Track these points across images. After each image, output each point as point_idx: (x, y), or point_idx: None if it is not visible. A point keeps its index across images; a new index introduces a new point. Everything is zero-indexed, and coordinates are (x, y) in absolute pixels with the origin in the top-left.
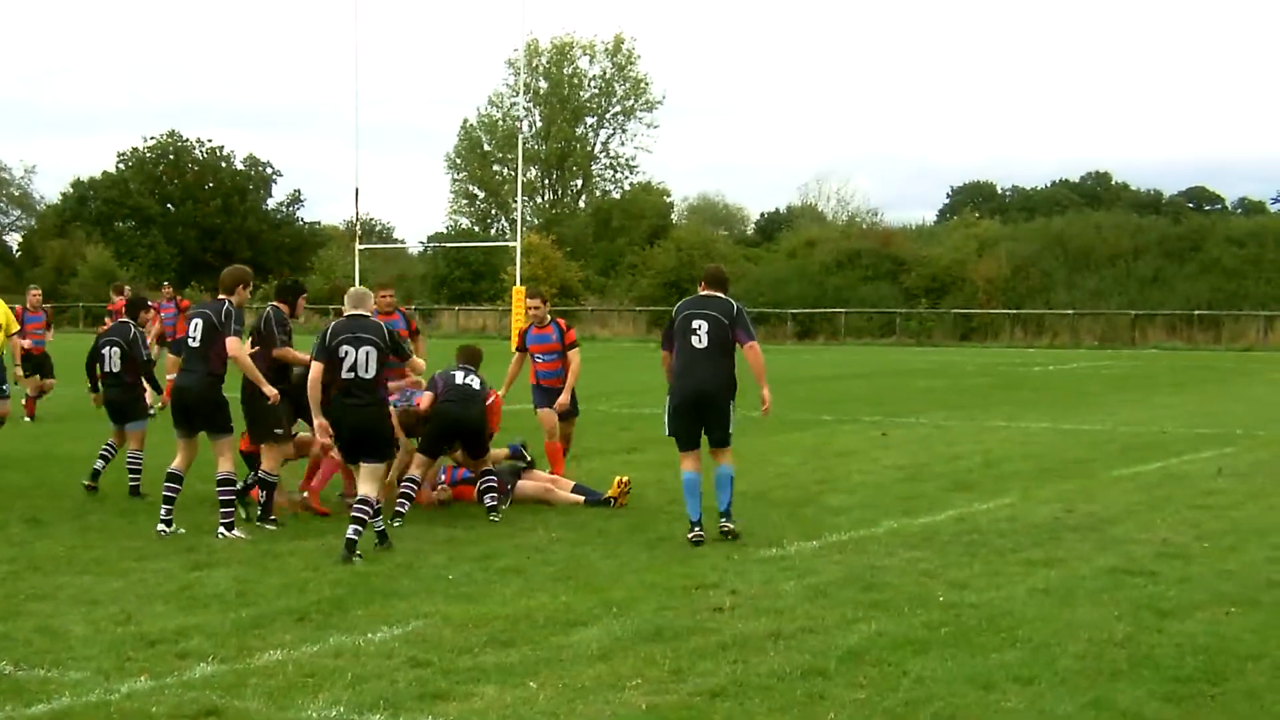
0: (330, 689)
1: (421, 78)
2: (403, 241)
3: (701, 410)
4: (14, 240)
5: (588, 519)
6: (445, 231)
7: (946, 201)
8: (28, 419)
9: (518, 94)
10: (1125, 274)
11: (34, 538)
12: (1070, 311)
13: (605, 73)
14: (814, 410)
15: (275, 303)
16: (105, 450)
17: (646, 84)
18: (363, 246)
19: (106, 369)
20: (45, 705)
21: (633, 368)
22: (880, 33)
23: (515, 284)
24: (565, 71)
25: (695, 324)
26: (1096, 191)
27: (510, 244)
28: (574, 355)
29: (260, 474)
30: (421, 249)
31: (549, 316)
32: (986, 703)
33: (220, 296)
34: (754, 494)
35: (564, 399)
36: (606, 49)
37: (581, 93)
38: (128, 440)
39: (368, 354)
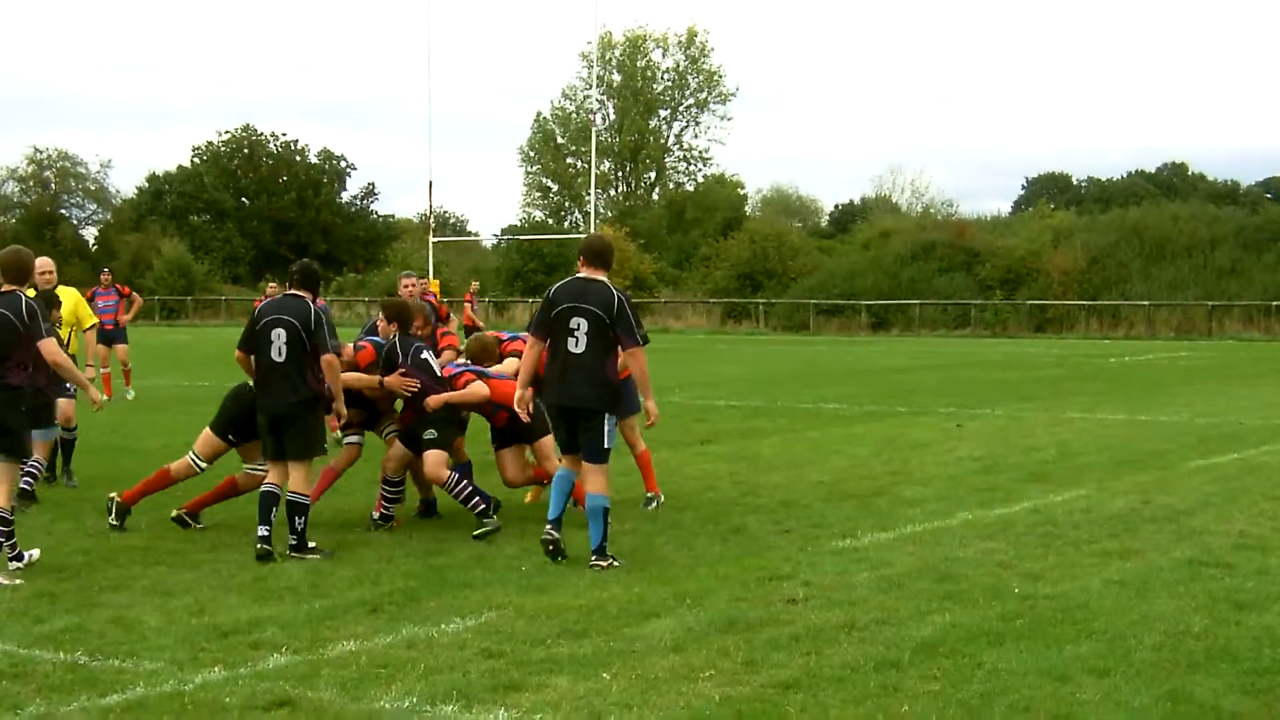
0: (403, 680)
1: (495, 71)
2: (476, 234)
3: (573, 423)
4: (90, 234)
5: (660, 511)
6: (519, 224)
7: (1021, 193)
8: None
9: (591, 87)
10: (1202, 265)
11: (109, 529)
12: (1146, 303)
13: (678, 65)
14: (888, 402)
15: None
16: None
17: (720, 76)
18: (437, 239)
19: None
20: (119, 695)
21: (706, 359)
22: (956, 23)
23: None
24: (638, 64)
25: (574, 322)
26: (1173, 182)
27: (583, 236)
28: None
29: (293, 496)
30: (495, 241)
31: None
32: (1062, 695)
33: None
34: (829, 484)
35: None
36: (680, 41)
37: (655, 85)
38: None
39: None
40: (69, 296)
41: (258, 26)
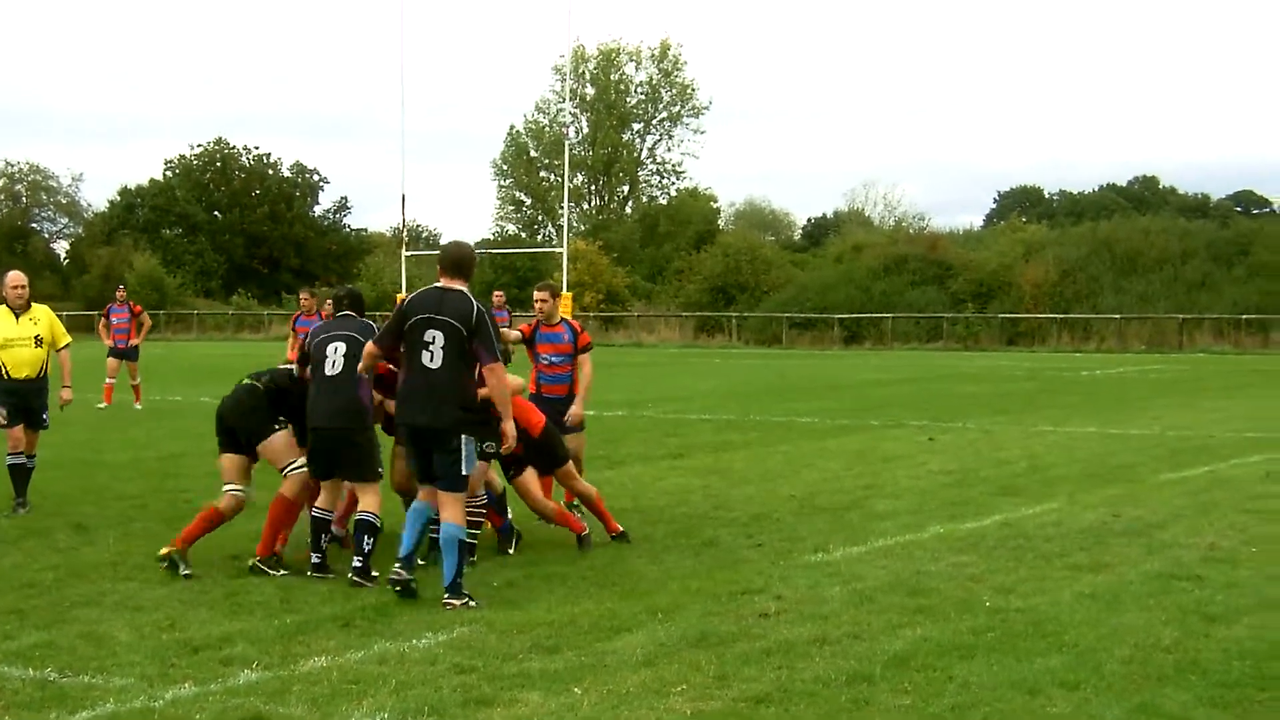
0: (375, 695)
1: (468, 85)
2: None
3: (427, 446)
4: (62, 248)
5: (631, 525)
6: (492, 238)
7: (994, 206)
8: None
9: (564, 100)
10: (1173, 278)
11: (79, 544)
12: (1118, 316)
13: (652, 79)
14: (860, 415)
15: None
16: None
17: (693, 90)
18: (409, 253)
19: None
20: (89, 712)
21: (679, 373)
22: (927, 38)
23: (562, 289)
24: (612, 78)
25: (429, 335)
26: (1144, 195)
27: (557, 250)
28: (587, 360)
29: (362, 515)
30: None
31: (559, 314)
32: (1032, 708)
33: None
34: (801, 498)
35: (577, 409)
36: (653, 55)
37: (628, 99)
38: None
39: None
40: (44, 314)
41: (230, 40)
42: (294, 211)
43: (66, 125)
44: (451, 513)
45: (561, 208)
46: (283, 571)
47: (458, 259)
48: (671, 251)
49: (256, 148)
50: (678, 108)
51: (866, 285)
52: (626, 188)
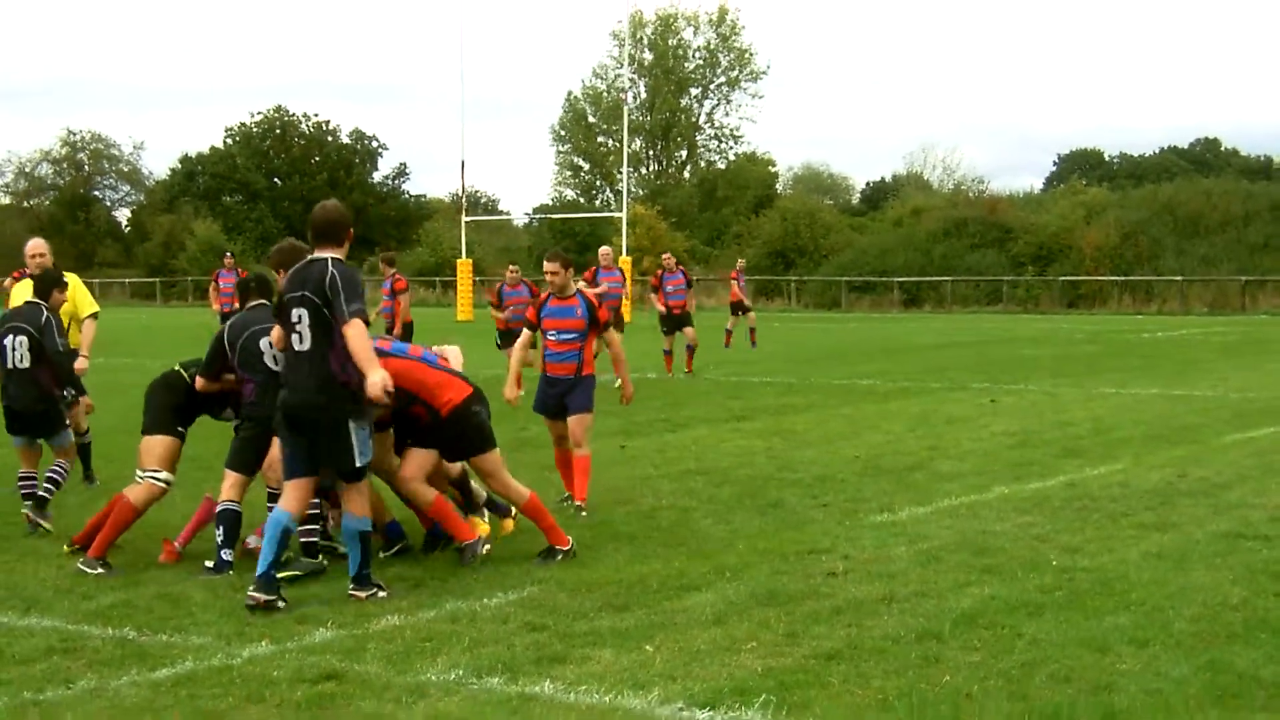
0: (448, 653)
1: (526, 50)
2: (508, 213)
3: (307, 433)
4: (123, 216)
5: (696, 486)
6: (550, 203)
7: (1054, 169)
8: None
9: (622, 65)
10: (1235, 240)
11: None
12: (1179, 278)
13: (709, 43)
14: (921, 378)
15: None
16: (24, 484)
17: (750, 54)
18: (469, 219)
19: (9, 364)
20: (169, 669)
21: (739, 336)
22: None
23: (622, 254)
24: (669, 42)
25: (295, 314)
26: (1206, 158)
27: (616, 215)
28: (613, 339)
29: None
30: (527, 220)
31: (573, 286)
32: (1102, 665)
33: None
34: (865, 460)
35: (628, 389)
36: (710, 20)
37: (686, 64)
38: (55, 455)
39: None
40: (67, 283)
41: (290, 6)
42: (353, 178)
43: (128, 94)
44: (355, 504)
45: (620, 173)
46: (99, 570)
47: (321, 223)
48: (730, 216)
49: (316, 115)
50: (735, 72)
51: (926, 248)
52: (685, 152)
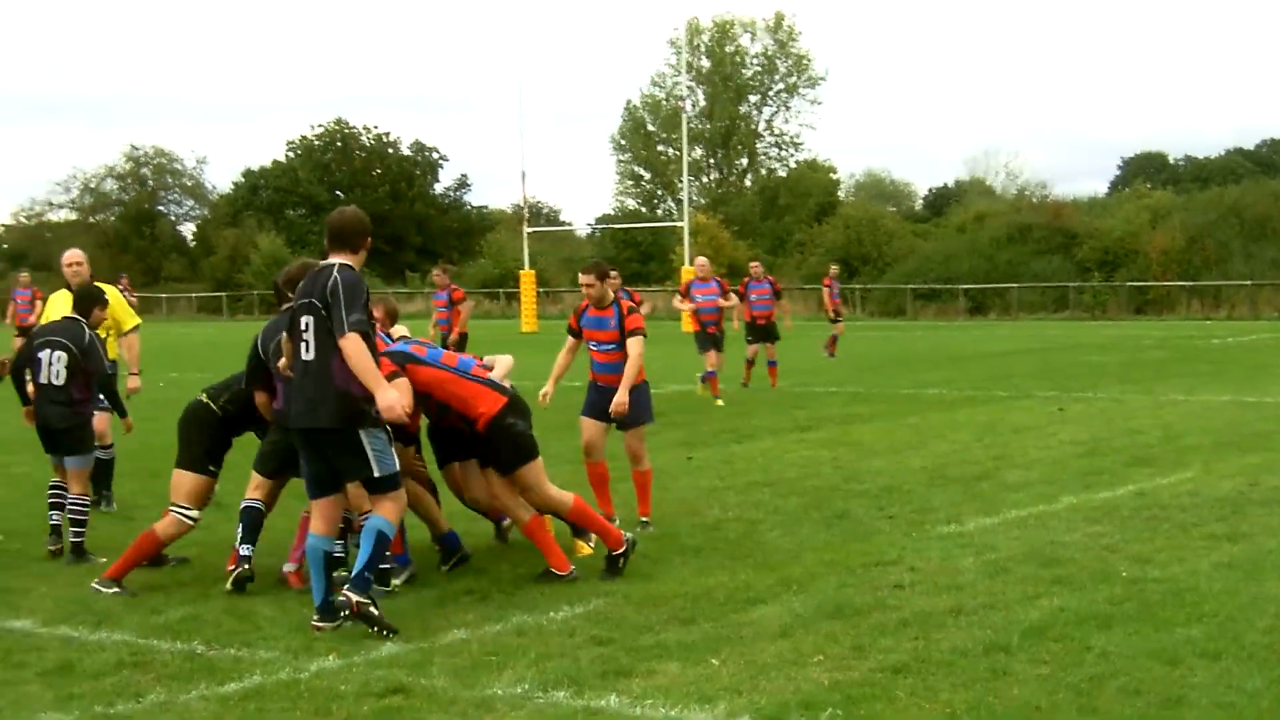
0: (514, 667)
1: (585, 60)
2: (570, 224)
3: (318, 447)
4: (188, 230)
5: (762, 498)
6: (612, 213)
7: (1118, 173)
8: None
9: (680, 73)
10: None
11: (218, 521)
12: (1249, 282)
13: (767, 50)
14: (988, 386)
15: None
16: (54, 494)
17: (809, 60)
18: (530, 229)
19: (44, 379)
20: (237, 683)
21: (803, 345)
22: (1048, 3)
23: (684, 264)
24: (727, 49)
25: (303, 322)
26: (1273, 159)
27: (678, 224)
28: (634, 344)
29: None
30: (589, 231)
31: (612, 295)
32: (1172, 678)
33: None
34: (931, 470)
35: (620, 399)
36: (768, 26)
37: (744, 71)
38: (68, 481)
39: None
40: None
41: (349, 20)
42: (415, 190)
43: (190, 109)
44: (385, 509)
45: (681, 181)
46: (114, 590)
47: (336, 228)
48: (792, 224)
49: (376, 127)
50: (794, 79)
51: (990, 255)
52: (745, 160)
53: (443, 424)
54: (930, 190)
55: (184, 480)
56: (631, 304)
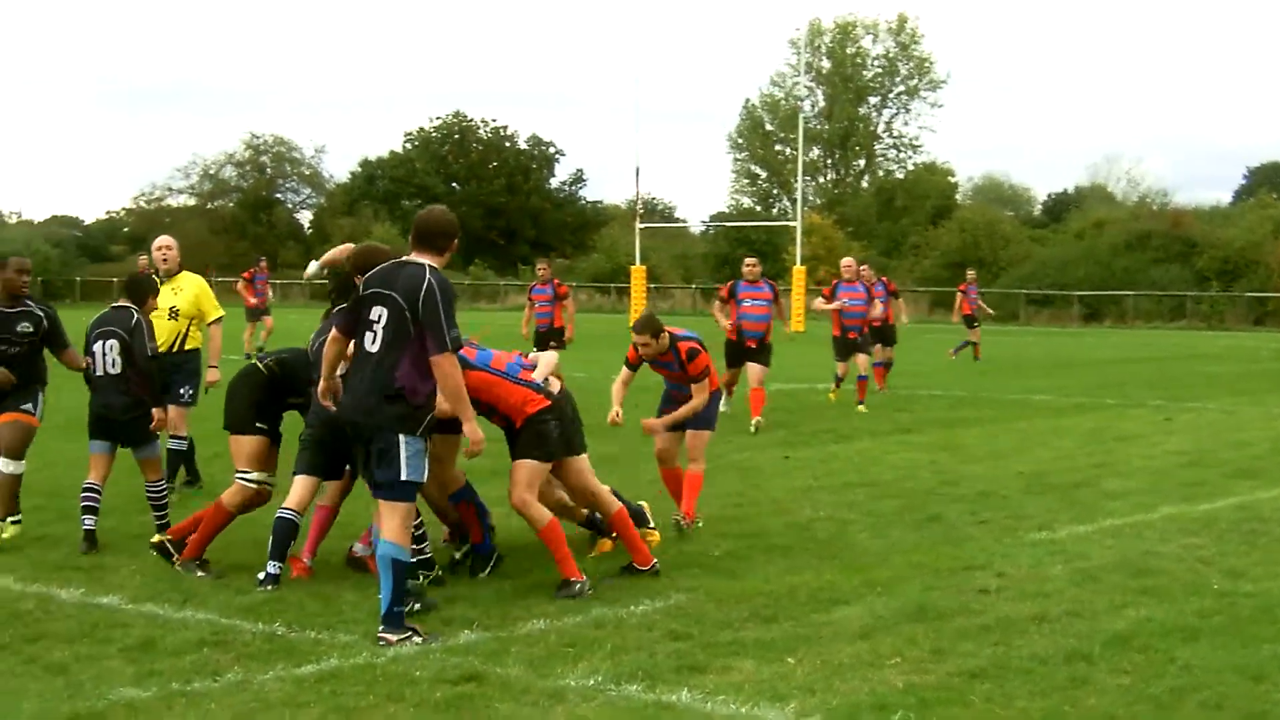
0: (590, 659)
1: (703, 58)
2: (684, 221)
3: (360, 441)
4: (305, 218)
5: (856, 499)
6: (727, 211)
7: (1243, 182)
8: None
9: (800, 74)
10: None
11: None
12: None
13: (888, 52)
14: (1096, 394)
15: None
16: (88, 496)
17: (930, 63)
18: (643, 225)
19: (100, 370)
20: (314, 666)
21: (912, 349)
22: (1173, 8)
23: (796, 264)
24: (848, 51)
25: (375, 312)
26: None
27: (791, 224)
28: (699, 391)
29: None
30: (703, 228)
31: (667, 343)
32: (1255, 694)
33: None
34: (1030, 476)
35: (654, 425)
36: (890, 28)
37: (865, 72)
38: (142, 470)
39: None
40: (191, 284)
41: (469, 13)
42: (530, 183)
43: (308, 98)
44: (390, 528)
45: (796, 181)
46: (199, 573)
47: (426, 229)
48: (908, 226)
49: (494, 120)
50: (915, 81)
51: (1107, 262)
52: (863, 162)
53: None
54: (1050, 195)
55: (238, 445)
56: (691, 346)
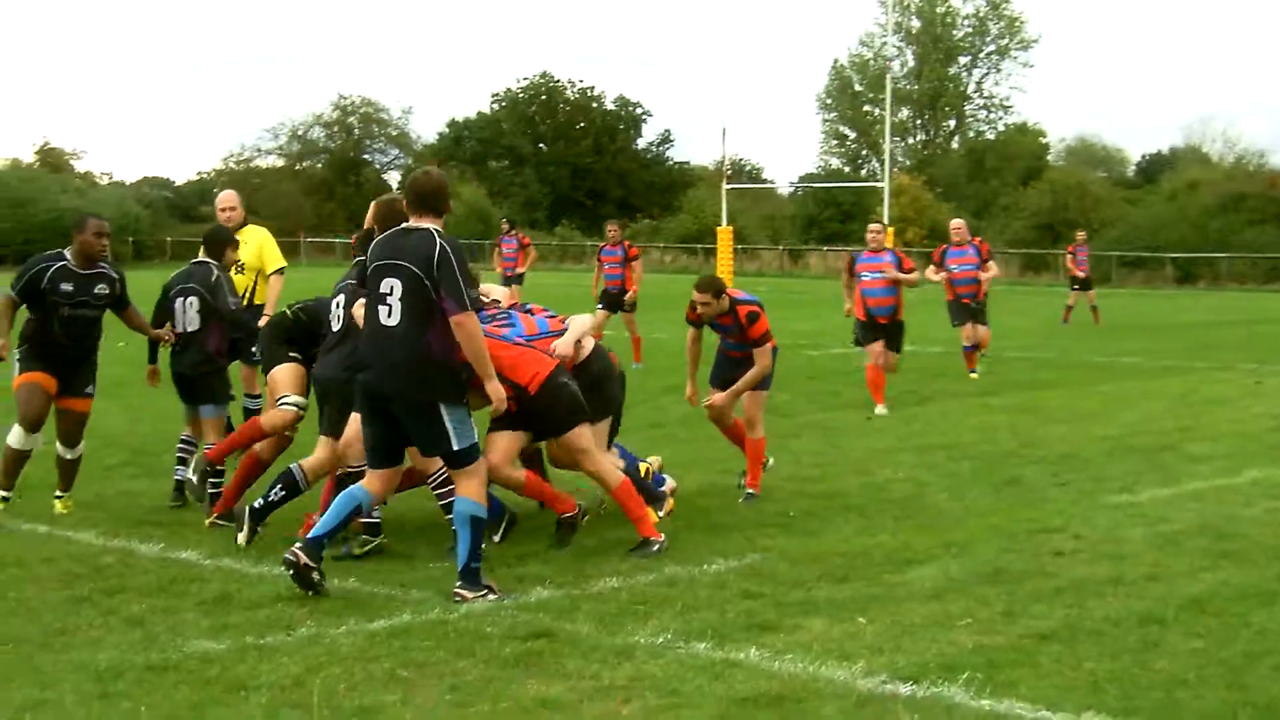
0: (660, 617)
1: (791, 17)
2: (771, 182)
3: (392, 414)
4: (393, 179)
5: (935, 461)
6: (816, 172)
7: None
8: None
9: (889, 33)
10: None
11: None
12: None
13: (979, 11)
14: (1186, 357)
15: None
16: (183, 448)
17: (1021, 22)
18: (730, 186)
19: (180, 327)
20: (385, 621)
21: (999, 310)
22: None
23: (885, 225)
24: (938, 10)
25: (386, 284)
26: None
27: (879, 184)
28: (761, 355)
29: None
30: (790, 189)
31: (726, 305)
32: None
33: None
34: (1113, 439)
35: (721, 399)
36: None
37: (955, 32)
38: (204, 432)
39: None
40: (255, 237)
41: None
42: (617, 144)
43: (396, 59)
44: (466, 487)
45: (885, 142)
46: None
47: (423, 191)
48: (998, 187)
49: (581, 81)
50: (1006, 40)
51: (1201, 224)
52: (953, 122)
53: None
54: (1144, 156)
55: (274, 378)
56: (751, 309)
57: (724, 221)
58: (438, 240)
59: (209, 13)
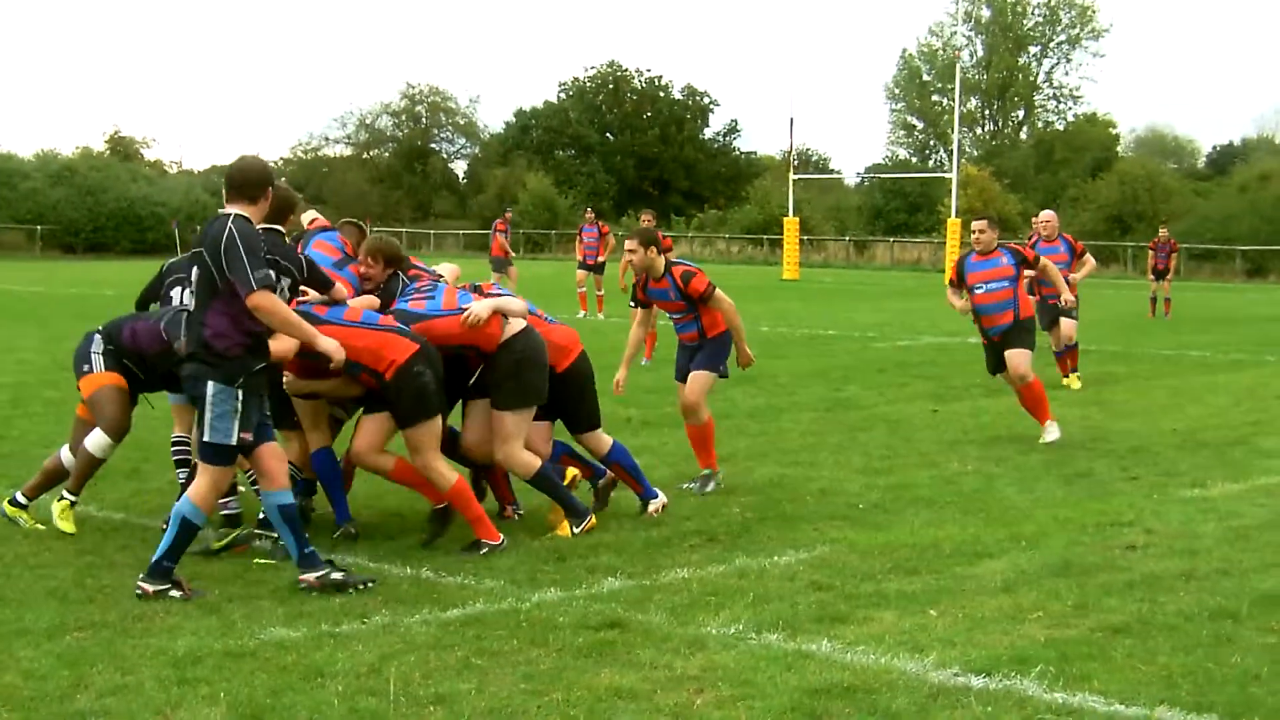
0: (731, 608)
1: (860, 6)
2: (838, 172)
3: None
4: (460, 168)
5: (1004, 453)
6: (883, 162)
7: None
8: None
9: (958, 23)
10: None
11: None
12: None
13: (1049, 1)
14: (1255, 351)
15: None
16: (179, 450)
17: (1093, 12)
18: (797, 176)
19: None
20: (459, 610)
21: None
22: None
23: (951, 216)
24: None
25: (194, 271)
26: None
27: (947, 175)
28: (716, 303)
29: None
30: (857, 180)
31: (660, 265)
32: None
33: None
34: (1183, 433)
35: (746, 353)
36: None
37: (1025, 21)
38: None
39: None
40: None
41: None
42: (684, 134)
43: (464, 48)
44: (195, 485)
45: (953, 132)
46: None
47: (233, 176)
48: (1067, 178)
49: (648, 70)
50: (1076, 30)
51: (1272, 216)
52: (1022, 112)
53: (359, 381)
54: (1214, 148)
55: None
56: (687, 269)
57: (790, 212)
58: (228, 225)
59: (278, 1)
